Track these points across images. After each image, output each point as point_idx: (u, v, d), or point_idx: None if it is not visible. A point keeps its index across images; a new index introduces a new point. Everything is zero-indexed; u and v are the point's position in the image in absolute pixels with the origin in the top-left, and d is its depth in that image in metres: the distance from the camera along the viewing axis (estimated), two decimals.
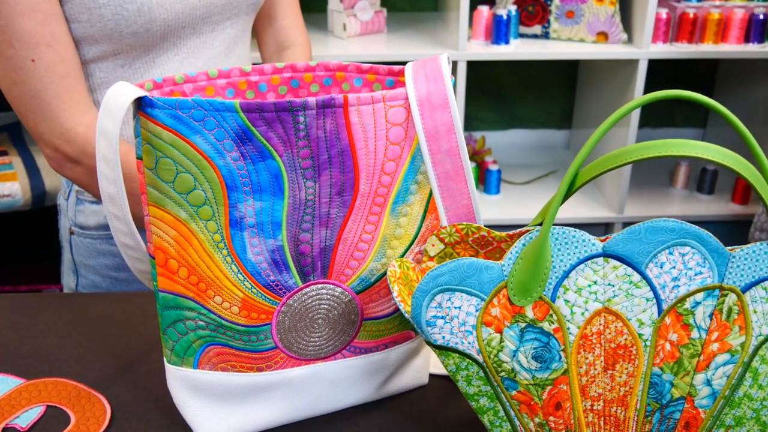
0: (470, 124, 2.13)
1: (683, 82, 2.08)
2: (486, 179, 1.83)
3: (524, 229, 0.54)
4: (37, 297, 0.81)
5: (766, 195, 0.47)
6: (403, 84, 0.61)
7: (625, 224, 1.78)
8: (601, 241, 0.51)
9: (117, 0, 0.78)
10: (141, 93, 0.51)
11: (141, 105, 0.52)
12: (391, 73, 0.61)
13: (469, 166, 0.55)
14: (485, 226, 1.77)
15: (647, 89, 2.04)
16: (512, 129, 2.15)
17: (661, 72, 2.04)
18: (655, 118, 2.15)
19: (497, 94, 2.09)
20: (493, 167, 1.82)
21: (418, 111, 0.54)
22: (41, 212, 1.75)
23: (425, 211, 0.58)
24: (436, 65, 0.56)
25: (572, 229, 0.50)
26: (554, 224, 0.56)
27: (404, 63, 1.95)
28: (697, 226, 0.48)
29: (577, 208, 1.78)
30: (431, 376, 0.68)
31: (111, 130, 0.52)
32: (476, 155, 1.94)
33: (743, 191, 1.78)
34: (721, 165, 0.46)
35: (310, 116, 0.52)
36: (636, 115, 1.63)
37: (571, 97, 2.10)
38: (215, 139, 0.52)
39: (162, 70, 0.87)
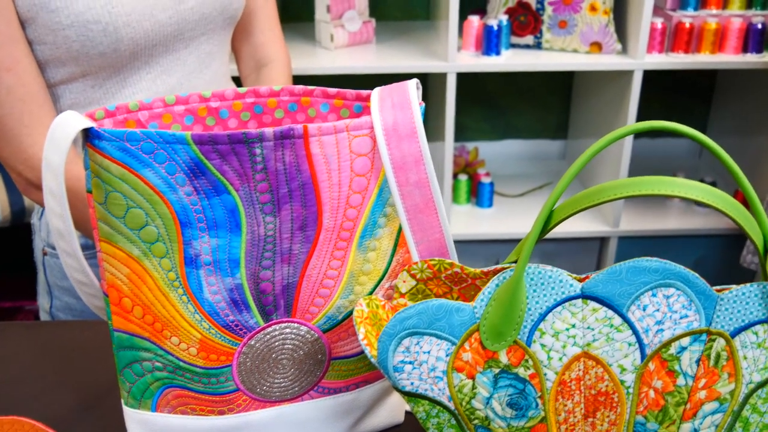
0: (464, 134, 2.10)
1: (682, 92, 2.05)
2: (478, 192, 1.80)
3: (499, 266, 0.51)
4: (2, 325, 0.78)
5: (753, 233, 0.44)
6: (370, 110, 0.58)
7: (621, 239, 1.75)
8: (580, 281, 0.48)
9: (81, 20, 0.76)
10: (87, 124, 0.49)
11: (88, 136, 0.49)
12: (359, 98, 0.58)
13: (440, 199, 0.52)
14: (478, 240, 1.76)
15: (643, 99, 2.01)
16: (507, 139, 2.13)
17: (659, 81, 2.02)
18: None
19: (492, 103, 2.07)
20: (486, 180, 1.79)
21: (385, 141, 0.51)
22: (21, 228, 1.72)
23: (395, 245, 0.55)
24: (404, 92, 0.53)
25: (549, 268, 0.47)
26: (534, 256, 0.53)
27: (393, 75, 1.94)
28: (682, 266, 0.45)
29: (571, 222, 1.75)
30: (407, 413, 0.65)
31: (57, 162, 0.49)
32: (469, 167, 1.92)
33: (742, 204, 1.75)
34: (705, 204, 0.43)
35: (268, 148, 0.49)
36: (632, 122, 1.60)
37: (567, 107, 2.07)
38: (166, 173, 0.49)
39: (134, 90, 0.84)
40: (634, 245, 1.77)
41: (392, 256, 0.56)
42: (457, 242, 1.76)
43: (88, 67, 0.80)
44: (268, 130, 0.48)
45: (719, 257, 1.71)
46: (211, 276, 0.52)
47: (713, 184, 1.80)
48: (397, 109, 0.52)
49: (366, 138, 0.51)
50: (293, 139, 0.49)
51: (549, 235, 1.73)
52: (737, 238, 1.80)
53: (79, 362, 0.72)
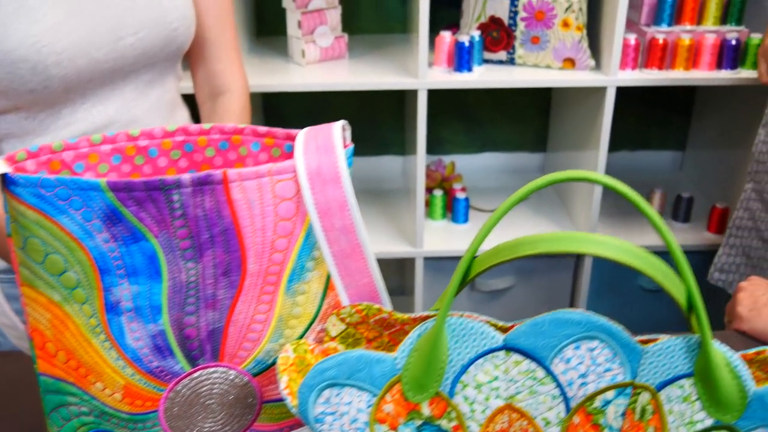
0: (441, 147, 2.10)
1: (661, 105, 2.05)
2: (454, 207, 1.80)
3: (425, 314, 0.51)
4: None
5: (675, 289, 0.44)
6: None
7: (596, 258, 1.74)
8: (503, 332, 0.48)
9: (9, 59, 0.75)
10: (3, 169, 0.48)
11: (5, 181, 0.48)
12: (290, 138, 0.58)
13: (368, 244, 0.52)
14: (453, 257, 1.75)
15: (623, 112, 2.02)
16: (485, 152, 2.12)
17: (638, 94, 2.02)
18: (630, 141, 2.13)
19: (470, 117, 2.06)
20: (461, 195, 1.79)
21: (308, 186, 0.50)
22: None
23: (325, 289, 0.55)
24: (329, 135, 0.52)
25: (471, 319, 0.46)
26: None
27: (364, 92, 1.93)
28: (606, 319, 0.45)
29: None
30: None
31: None
32: (445, 182, 1.91)
33: (719, 220, 1.75)
34: (619, 263, 0.42)
35: (186, 194, 0.48)
36: (606, 138, 1.60)
37: (545, 120, 2.07)
38: (83, 220, 0.48)
39: (69, 120, 0.83)
40: (610, 263, 1.77)
41: (323, 299, 0.55)
42: (431, 259, 1.76)
43: (19, 101, 0.79)
44: (186, 177, 0.48)
45: (699, 275, 1.71)
46: (132, 322, 0.51)
47: (690, 199, 1.80)
48: (321, 152, 0.51)
49: (290, 182, 0.51)
50: (213, 185, 0.48)
51: (530, 252, 1.72)
52: (711, 254, 1.79)
53: (20, 397, 0.71)
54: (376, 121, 2.03)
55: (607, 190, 1.98)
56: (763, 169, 1.11)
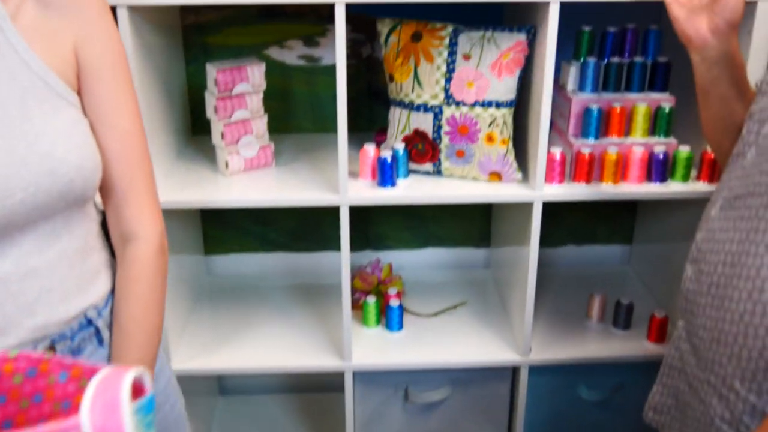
0: (382, 243, 2.09)
1: (605, 205, 2.07)
2: (387, 315, 1.78)
3: None
4: None
5: None
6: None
7: (533, 369, 1.73)
8: None
9: None
10: None
11: None
12: (95, 372, 0.56)
13: None
14: (386, 371, 1.73)
15: (567, 207, 2.02)
16: (428, 247, 2.12)
17: None
18: (577, 235, 2.13)
19: (412, 212, 2.06)
20: (395, 302, 1.77)
21: None
22: None
23: None
24: (116, 392, 0.50)
25: None
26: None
27: (289, 208, 1.91)
28: None
29: (479, 349, 1.73)
30: None
31: None
32: (381, 285, 1.90)
33: (659, 328, 1.74)
34: None
35: None
36: (535, 250, 1.59)
37: (489, 215, 2.07)
38: None
39: None
40: (548, 374, 1.75)
41: None
42: (363, 373, 1.73)
43: None
44: None
45: (640, 384, 1.68)
46: None
47: (630, 306, 1.79)
48: (107, 411, 0.50)
49: None
50: None
51: (460, 363, 1.70)
52: (656, 365, 1.78)
53: None
54: (317, 216, 2.03)
55: (546, 294, 1.97)
56: (693, 308, 1.10)
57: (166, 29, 1.68)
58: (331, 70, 1.85)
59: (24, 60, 0.89)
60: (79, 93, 0.97)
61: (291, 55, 1.87)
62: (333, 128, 1.92)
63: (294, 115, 1.93)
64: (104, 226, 1.07)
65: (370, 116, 1.93)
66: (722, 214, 1.05)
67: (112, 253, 1.07)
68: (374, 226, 2.06)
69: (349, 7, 1.39)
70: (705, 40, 1.17)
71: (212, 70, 1.55)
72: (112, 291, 1.05)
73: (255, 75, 1.59)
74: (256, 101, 1.62)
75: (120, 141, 0.99)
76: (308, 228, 2.06)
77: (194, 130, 1.90)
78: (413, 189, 1.57)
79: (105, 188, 1.01)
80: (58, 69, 0.93)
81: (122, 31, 1.36)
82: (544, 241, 2.04)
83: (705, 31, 1.17)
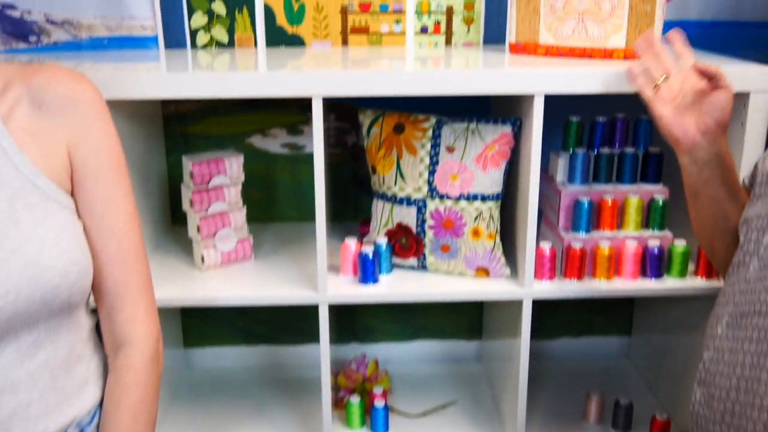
0: (369, 335, 2.01)
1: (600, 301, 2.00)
2: (372, 416, 1.69)
3: None
4: None
5: None
6: None
7: None
8: None
9: None
10: None
11: None
12: None
13: None
14: None
15: (546, 313, 1.95)
16: (417, 340, 2.04)
17: None
18: (573, 327, 2.05)
19: (400, 304, 1.99)
20: (380, 403, 1.68)
21: None
22: None
23: None
24: None
25: None
26: None
27: (265, 307, 1.85)
28: None
29: None
30: None
31: None
32: (366, 382, 1.81)
33: (661, 428, 1.65)
34: None
35: None
36: (526, 349, 1.52)
37: (480, 306, 2.00)
38: None
39: None
40: None
41: None
42: None
43: None
44: None
45: None
46: None
47: (630, 407, 1.70)
48: None
49: None
50: None
51: None
52: None
53: None
54: (301, 307, 1.96)
55: (540, 396, 1.88)
56: None
57: (145, 119, 1.66)
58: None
59: (14, 163, 0.88)
60: (73, 193, 0.95)
61: (274, 143, 1.84)
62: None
63: (277, 204, 1.89)
64: (98, 328, 1.03)
65: (355, 205, 1.88)
66: (729, 332, 0.98)
67: (105, 359, 1.03)
68: (360, 317, 1.99)
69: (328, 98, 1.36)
70: (694, 140, 1.13)
71: (188, 163, 1.51)
72: (101, 403, 0.99)
73: (233, 167, 1.55)
74: (234, 193, 1.58)
75: (115, 242, 0.97)
76: (292, 320, 1.99)
77: (174, 219, 1.85)
78: (396, 286, 1.50)
79: (98, 291, 0.99)
80: (50, 171, 0.91)
81: None
82: (538, 334, 1.97)
83: (694, 132, 1.13)
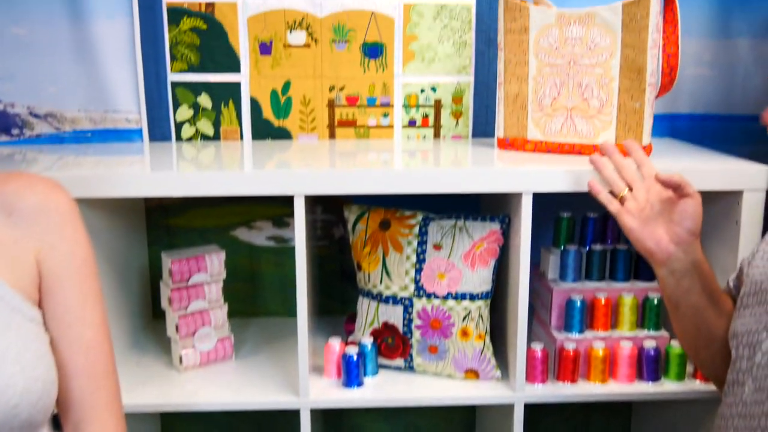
0: None
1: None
2: None
3: None
4: None
5: None
6: None
7: None
8: None
9: None
10: None
11: None
12: None
13: None
14: None
15: (542, 414, 1.89)
16: None
17: None
18: (570, 430, 1.98)
19: None
20: None
21: None
22: None
23: None
24: None
25: None
26: None
27: (245, 412, 1.78)
28: None
29: None
30: None
31: None
32: None
33: None
34: None
35: None
36: (519, 429, 1.45)
37: (472, 407, 1.93)
38: None
39: None
40: None
41: None
42: None
43: None
44: None
45: None
46: None
47: None
48: None
49: None
50: None
51: None
52: None
53: None
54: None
55: None
56: None
57: (127, 211, 1.63)
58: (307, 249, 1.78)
59: None
60: (41, 303, 0.93)
61: (259, 236, 1.80)
62: (310, 308, 1.83)
63: (262, 298, 1.84)
64: None
65: (342, 299, 1.84)
66: None
67: None
68: (348, 417, 1.92)
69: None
70: (668, 252, 1.10)
71: (167, 260, 1.47)
72: None
73: (214, 264, 1.51)
74: (215, 290, 1.53)
75: (83, 354, 0.94)
76: (278, 419, 1.91)
77: (155, 314, 1.80)
78: (382, 389, 1.44)
79: (64, 404, 0.94)
80: (16, 282, 0.89)
81: None
82: None
83: (667, 243, 1.10)
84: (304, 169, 1.35)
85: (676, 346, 1.46)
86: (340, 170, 1.36)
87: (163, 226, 1.77)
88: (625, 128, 1.44)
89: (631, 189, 1.21)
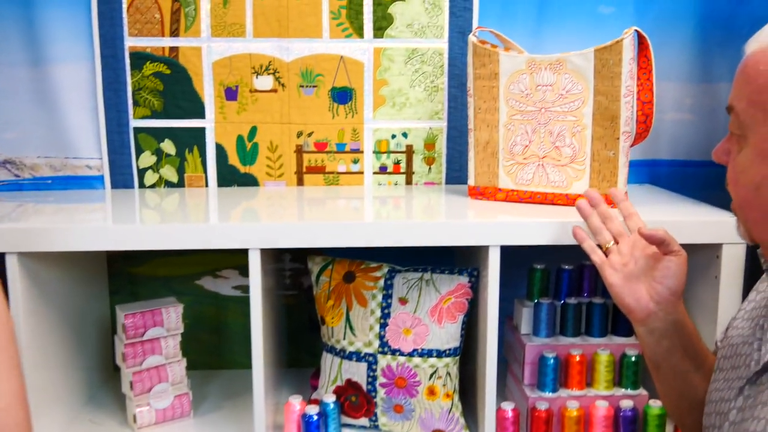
0: None
1: None
2: None
3: None
4: None
5: None
6: None
7: None
8: None
9: None
10: None
11: None
12: None
13: None
14: None
15: None
16: None
17: None
18: None
19: None
20: None
21: None
22: None
23: None
24: None
25: None
26: None
27: None
28: None
29: None
30: None
31: None
32: None
33: None
34: None
35: None
36: None
37: None
38: None
39: None
40: None
41: None
42: None
43: None
44: None
45: None
46: None
47: None
48: None
49: None
50: None
51: None
52: None
53: None
54: None
55: None
56: None
57: (88, 261, 1.58)
58: (269, 301, 1.73)
59: None
60: None
61: (225, 285, 1.75)
62: (270, 363, 1.77)
63: (228, 350, 1.78)
64: None
65: (311, 350, 1.77)
66: None
67: None
68: None
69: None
70: (648, 310, 1.05)
71: (120, 315, 1.42)
72: None
73: (171, 317, 1.46)
74: (172, 345, 1.47)
75: None
76: None
77: (116, 367, 1.74)
78: None
79: None
80: None
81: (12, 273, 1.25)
82: None
83: (647, 301, 1.05)
84: (257, 223, 1.30)
85: (654, 405, 1.39)
86: (299, 223, 1.31)
87: (126, 275, 1.72)
88: (599, 177, 1.40)
89: (617, 242, 1.16)
